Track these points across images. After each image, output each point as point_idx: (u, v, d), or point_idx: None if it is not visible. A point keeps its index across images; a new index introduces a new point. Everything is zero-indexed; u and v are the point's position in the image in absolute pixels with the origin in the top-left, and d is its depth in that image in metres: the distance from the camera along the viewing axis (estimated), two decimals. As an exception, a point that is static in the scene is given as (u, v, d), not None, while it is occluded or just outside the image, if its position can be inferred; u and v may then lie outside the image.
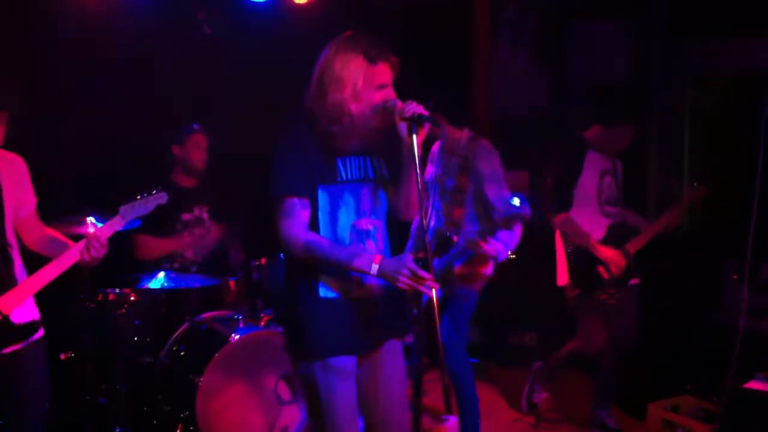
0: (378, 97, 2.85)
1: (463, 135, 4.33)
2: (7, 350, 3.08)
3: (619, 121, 4.74)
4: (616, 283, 4.62)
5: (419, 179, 2.79)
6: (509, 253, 4.22)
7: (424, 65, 5.83)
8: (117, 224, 3.24)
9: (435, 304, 2.74)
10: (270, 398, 4.29)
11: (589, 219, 4.69)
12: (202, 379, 4.06)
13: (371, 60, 2.83)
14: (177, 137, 4.89)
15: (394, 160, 3.05)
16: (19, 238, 3.26)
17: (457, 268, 4.23)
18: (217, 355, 4.11)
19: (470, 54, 6.99)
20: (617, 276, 4.61)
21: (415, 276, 2.71)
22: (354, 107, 2.84)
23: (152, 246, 4.72)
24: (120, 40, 5.14)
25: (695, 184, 4.82)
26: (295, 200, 2.85)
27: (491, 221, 4.10)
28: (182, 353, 4.40)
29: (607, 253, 4.58)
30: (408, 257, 2.76)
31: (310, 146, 2.87)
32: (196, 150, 4.89)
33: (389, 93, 2.89)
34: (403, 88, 2.94)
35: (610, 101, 6.41)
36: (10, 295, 3.06)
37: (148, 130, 5.08)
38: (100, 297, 4.45)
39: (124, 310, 4.45)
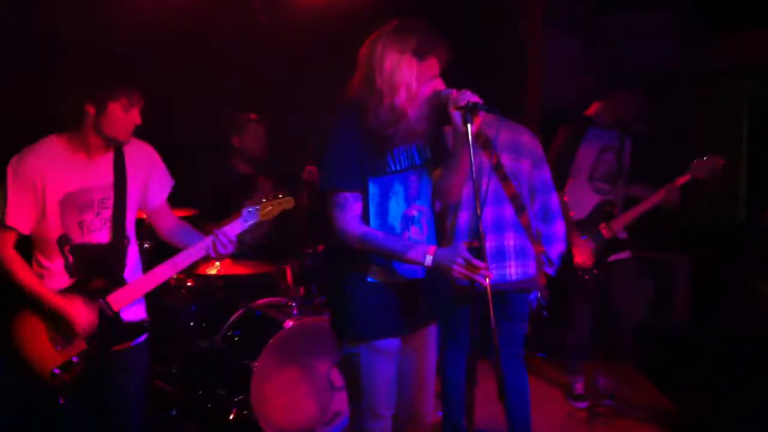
0: (428, 89, 2.85)
1: None
2: (116, 348, 3.09)
3: (616, 90, 4.77)
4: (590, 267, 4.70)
5: (473, 168, 2.79)
6: None
7: (476, 55, 5.81)
8: (239, 226, 3.20)
9: (489, 293, 2.75)
10: (323, 384, 4.35)
11: (580, 194, 4.77)
12: (256, 364, 4.12)
13: (421, 57, 2.81)
14: (235, 127, 4.95)
15: (439, 143, 3.09)
16: (144, 233, 3.27)
17: None
18: (271, 340, 4.17)
19: (523, 44, 6.94)
20: (583, 266, 4.68)
21: (469, 265, 2.72)
22: (410, 110, 2.83)
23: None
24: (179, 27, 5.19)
25: (705, 157, 4.65)
26: (348, 194, 2.86)
27: None
28: (237, 338, 4.47)
29: (576, 245, 4.65)
30: (462, 247, 2.76)
31: (360, 140, 2.87)
32: (254, 140, 4.96)
33: (438, 83, 2.88)
34: (455, 79, 2.93)
35: (658, 91, 6.31)
36: (122, 292, 3.06)
37: (206, 119, 5.14)
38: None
39: (181, 295, 4.54)
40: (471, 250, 2.78)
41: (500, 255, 3.91)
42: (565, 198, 4.68)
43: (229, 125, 4.98)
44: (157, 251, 3.72)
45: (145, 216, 3.36)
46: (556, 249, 4.05)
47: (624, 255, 4.84)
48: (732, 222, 6.50)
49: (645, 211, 4.73)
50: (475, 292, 2.85)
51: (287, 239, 4.96)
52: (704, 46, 6.51)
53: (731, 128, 6.56)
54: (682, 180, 4.67)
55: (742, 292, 5.63)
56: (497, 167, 4.04)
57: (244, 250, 4.78)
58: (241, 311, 4.56)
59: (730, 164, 4.85)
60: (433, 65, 2.86)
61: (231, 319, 4.55)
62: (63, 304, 2.96)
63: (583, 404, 5.03)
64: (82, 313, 2.98)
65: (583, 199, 4.80)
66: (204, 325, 4.64)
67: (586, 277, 4.69)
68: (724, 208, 6.54)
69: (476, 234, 2.81)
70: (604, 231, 4.74)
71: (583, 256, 4.67)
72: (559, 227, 4.08)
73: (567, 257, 4.50)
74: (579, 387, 5.10)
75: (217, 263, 4.55)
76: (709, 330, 5.64)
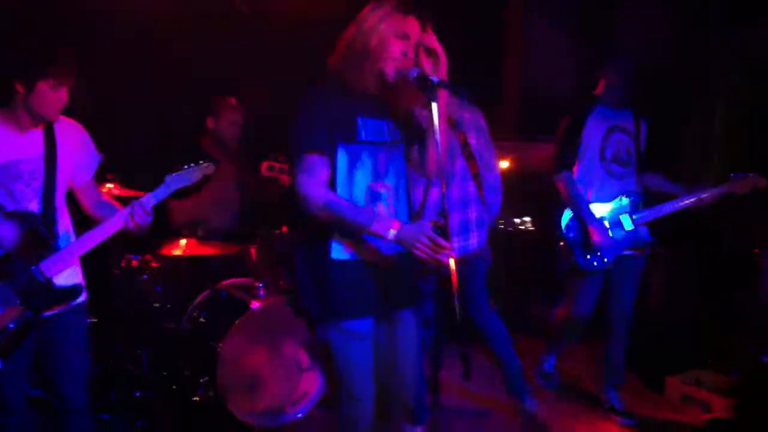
0: (397, 46, 2.85)
1: None
2: (49, 313, 3.15)
3: (614, 69, 4.53)
4: (608, 252, 4.44)
5: (438, 147, 2.79)
6: None
7: (458, 41, 5.78)
8: (162, 193, 3.29)
9: (453, 273, 2.75)
10: (290, 365, 4.33)
11: (593, 176, 4.51)
12: (222, 345, 4.10)
13: (400, 9, 2.85)
14: (212, 109, 4.91)
15: (410, 124, 3.08)
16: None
17: None
18: (237, 321, 4.15)
19: (504, 30, 6.94)
20: (599, 245, 4.40)
21: (433, 244, 2.71)
22: (370, 44, 2.84)
23: (185, 209, 4.73)
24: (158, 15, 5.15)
25: (748, 175, 4.44)
26: (315, 157, 2.83)
27: None
28: (203, 319, 4.44)
29: (594, 225, 4.39)
30: (427, 225, 2.75)
31: (331, 103, 2.86)
32: (230, 126, 4.92)
33: (409, 47, 2.87)
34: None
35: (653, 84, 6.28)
36: (53, 259, 3.12)
37: (181, 99, 5.10)
38: (123, 263, 4.50)
39: (146, 276, 4.50)
40: (436, 228, 2.77)
41: (465, 228, 4.10)
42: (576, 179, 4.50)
43: (206, 105, 4.93)
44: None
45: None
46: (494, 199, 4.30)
47: (639, 251, 4.57)
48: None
49: (672, 213, 4.48)
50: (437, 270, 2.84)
51: (255, 221, 4.93)
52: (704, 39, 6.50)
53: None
54: (718, 193, 4.43)
55: (716, 280, 5.65)
56: (464, 146, 4.10)
57: (210, 231, 4.75)
58: (207, 292, 4.53)
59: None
60: (410, 24, 2.87)
61: (197, 301, 4.51)
62: None
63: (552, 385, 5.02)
64: (14, 280, 3.06)
65: (598, 182, 4.53)
66: (170, 306, 4.61)
67: (595, 263, 4.45)
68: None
69: (442, 212, 2.80)
70: (625, 221, 4.48)
71: (598, 236, 4.38)
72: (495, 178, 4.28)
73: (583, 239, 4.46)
74: (548, 366, 5.02)
75: (182, 242, 4.51)
76: (680, 311, 5.67)
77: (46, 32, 4.27)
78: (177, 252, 4.51)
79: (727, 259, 5.73)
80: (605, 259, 4.44)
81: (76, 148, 3.30)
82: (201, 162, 3.40)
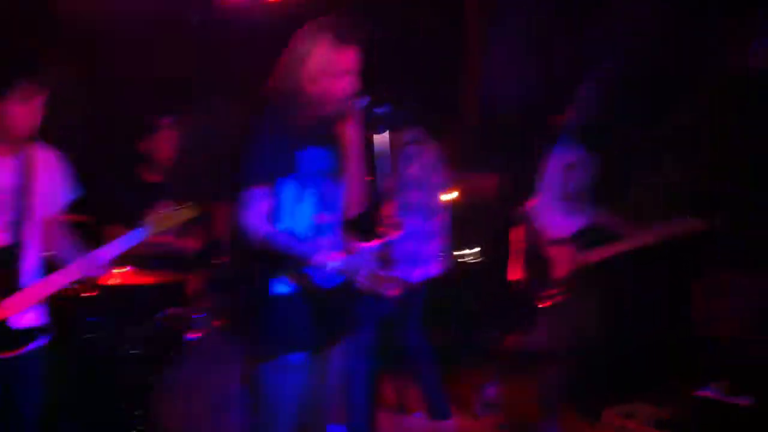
0: (340, 84, 2.83)
1: None
2: (3, 356, 2.96)
3: (581, 103, 4.58)
4: (559, 284, 4.51)
5: (363, 176, 2.84)
6: None
7: (412, 58, 5.82)
8: (121, 244, 3.14)
9: (396, 302, 2.75)
10: (229, 395, 4.25)
11: (555, 212, 4.58)
12: (157, 377, 4.02)
13: (336, 43, 2.80)
14: (145, 131, 4.82)
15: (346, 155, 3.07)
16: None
17: None
18: (172, 353, 4.07)
19: (460, 46, 6.97)
20: (561, 278, 4.49)
21: (374, 277, 2.70)
22: (309, 89, 2.81)
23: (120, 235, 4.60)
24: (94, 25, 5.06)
25: (689, 217, 4.52)
26: (257, 190, 2.81)
27: None
28: (138, 351, 4.34)
29: (555, 252, 4.48)
30: (368, 257, 2.75)
31: (271, 136, 2.83)
32: (165, 145, 4.82)
33: (354, 81, 2.87)
34: (391, 80, 2.93)
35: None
36: (14, 298, 2.94)
37: (114, 121, 5.02)
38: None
39: (80, 306, 4.38)
40: (379, 258, 2.77)
41: (416, 259, 4.30)
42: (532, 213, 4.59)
43: (139, 128, 4.84)
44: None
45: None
46: None
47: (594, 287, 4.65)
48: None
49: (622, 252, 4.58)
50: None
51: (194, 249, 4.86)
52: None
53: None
54: (660, 234, 4.53)
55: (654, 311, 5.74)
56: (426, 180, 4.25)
57: (146, 259, 4.67)
58: (143, 323, 4.43)
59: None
60: (348, 57, 2.83)
61: (133, 332, 4.40)
62: None
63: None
64: None
65: (557, 217, 4.61)
66: (104, 337, 4.49)
67: (556, 296, 4.53)
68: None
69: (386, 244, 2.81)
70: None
71: (564, 256, 4.49)
72: None
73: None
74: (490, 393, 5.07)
75: (118, 272, 4.41)
76: (615, 343, 5.73)
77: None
78: (112, 281, 4.41)
79: (664, 289, 5.83)
80: (563, 291, 4.50)
81: (52, 178, 3.11)
82: (184, 204, 3.29)
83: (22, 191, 2.98)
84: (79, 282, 4.34)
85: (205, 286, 4.63)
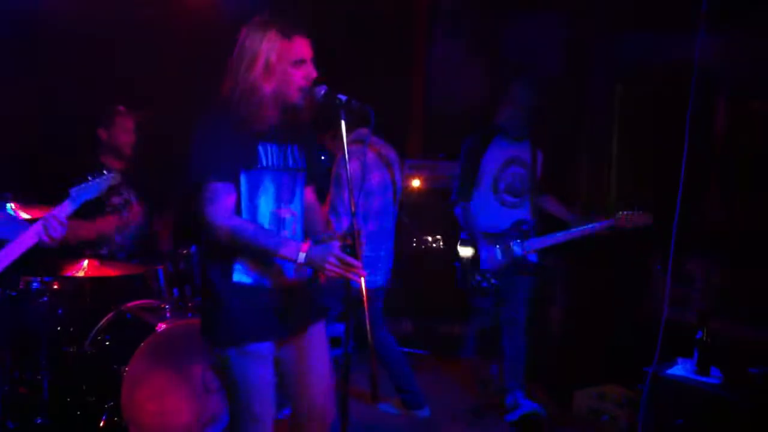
0: (297, 74, 2.82)
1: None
2: None
3: (511, 85, 4.70)
4: (495, 274, 4.70)
5: (347, 166, 2.81)
6: None
7: (362, 59, 5.83)
8: (68, 207, 3.21)
9: (363, 291, 2.75)
10: (197, 387, 4.24)
11: (486, 205, 4.78)
12: (127, 369, 3.99)
13: (285, 34, 2.79)
14: (103, 120, 4.79)
15: (312, 149, 3.09)
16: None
17: None
18: (143, 344, 4.04)
19: (408, 46, 7.00)
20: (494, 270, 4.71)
21: (343, 263, 2.71)
22: (266, 85, 2.79)
23: (81, 228, 4.57)
24: (50, 16, 5.00)
25: (637, 209, 4.59)
26: (219, 185, 2.80)
27: None
28: (107, 342, 4.32)
29: (484, 251, 4.69)
30: (335, 245, 2.75)
31: (230, 131, 2.82)
32: (122, 133, 4.79)
33: (310, 70, 2.86)
34: (341, 79, 2.92)
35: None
36: None
37: (75, 112, 4.97)
38: (22, 284, 4.33)
39: (46, 299, 4.34)
40: (344, 248, 2.77)
41: (373, 264, 4.46)
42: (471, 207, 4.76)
43: (97, 117, 4.81)
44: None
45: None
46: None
47: (528, 276, 4.83)
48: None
49: (561, 243, 4.70)
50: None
51: (156, 240, 4.83)
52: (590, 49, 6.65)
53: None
54: (605, 226, 4.59)
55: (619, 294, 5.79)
56: (393, 183, 4.31)
57: (114, 250, 4.64)
58: (111, 314, 4.40)
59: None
60: (300, 46, 2.83)
61: (100, 323, 4.38)
62: None
63: None
64: None
65: (491, 211, 4.79)
66: (72, 329, 4.45)
67: (483, 285, 4.69)
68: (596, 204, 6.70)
69: (350, 231, 2.81)
70: (516, 247, 4.74)
71: (487, 262, 4.70)
72: None
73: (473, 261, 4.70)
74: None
75: (85, 264, 4.39)
76: (584, 325, 5.79)
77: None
78: (79, 273, 4.38)
79: (629, 271, 5.89)
80: (492, 281, 4.65)
81: None
82: (105, 173, 3.33)
83: None
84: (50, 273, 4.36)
85: (171, 277, 4.60)
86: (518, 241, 4.72)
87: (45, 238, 3.11)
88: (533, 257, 4.79)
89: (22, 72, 4.90)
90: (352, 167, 3.41)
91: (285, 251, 2.78)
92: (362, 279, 2.74)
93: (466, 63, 6.92)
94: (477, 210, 4.77)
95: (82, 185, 3.27)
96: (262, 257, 2.87)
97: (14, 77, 4.84)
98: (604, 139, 6.61)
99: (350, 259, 2.71)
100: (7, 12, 4.76)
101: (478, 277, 4.68)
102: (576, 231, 4.65)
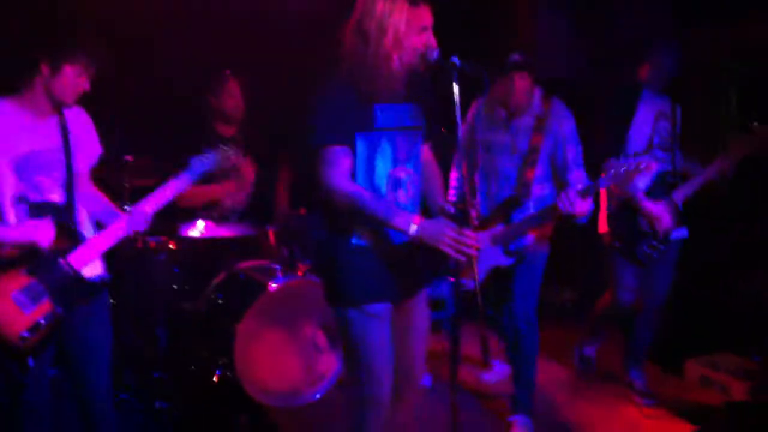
0: (419, 41, 2.80)
1: (535, 93, 4.15)
2: (79, 304, 3.09)
3: (661, 53, 4.45)
4: (662, 237, 4.42)
5: (460, 129, 2.78)
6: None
7: (466, 28, 5.74)
8: (185, 179, 3.28)
9: (474, 262, 2.73)
10: (307, 346, 4.34)
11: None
12: (239, 326, 4.10)
13: (413, 2, 2.77)
14: (211, 87, 4.87)
15: (429, 108, 3.05)
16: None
17: (531, 232, 4.05)
18: (255, 303, 4.15)
19: (510, 20, 6.88)
20: (662, 231, 4.41)
21: (456, 239, 2.70)
22: (396, 54, 2.78)
23: (193, 193, 4.69)
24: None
25: (756, 124, 4.46)
26: (337, 148, 2.81)
27: (565, 182, 3.96)
28: (220, 301, 4.44)
29: (651, 207, 4.36)
30: (447, 222, 2.74)
31: (347, 93, 2.82)
32: (229, 98, 4.85)
33: (430, 37, 2.83)
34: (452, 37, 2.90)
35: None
36: (80, 251, 3.07)
37: (189, 82, 5.07)
38: (140, 244, 4.49)
39: (163, 258, 4.50)
40: (456, 213, 2.76)
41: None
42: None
43: (206, 85, 4.90)
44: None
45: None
46: None
47: (682, 232, 4.54)
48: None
49: (705, 183, 4.46)
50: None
51: (269, 202, 4.91)
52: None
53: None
54: (739, 150, 4.42)
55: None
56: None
57: (225, 212, 4.74)
58: (224, 274, 4.53)
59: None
60: (424, 14, 2.80)
61: (214, 282, 4.51)
62: (26, 228, 2.98)
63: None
64: (45, 233, 3.00)
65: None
66: (187, 287, 4.61)
67: (655, 255, 4.43)
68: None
69: (463, 196, 2.79)
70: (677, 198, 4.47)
71: (660, 211, 4.38)
72: None
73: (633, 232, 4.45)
74: (640, 384, 4.81)
75: (200, 224, 4.52)
76: (695, 294, 5.63)
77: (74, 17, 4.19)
78: (194, 233, 4.51)
79: (748, 242, 5.67)
80: (661, 247, 4.42)
81: (85, 137, 3.23)
82: (221, 147, 3.38)
83: (67, 149, 3.10)
84: (146, 235, 4.49)
85: (282, 238, 4.68)
86: (670, 195, 4.45)
87: (129, 233, 3.17)
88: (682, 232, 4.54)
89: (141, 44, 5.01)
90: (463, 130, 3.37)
91: (398, 222, 2.78)
92: (475, 251, 2.71)
93: (572, 37, 6.77)
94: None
95: (199, 158, 3.32)
96: (380, 226, 2.89)
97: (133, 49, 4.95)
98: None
99: (463, 238, 2.69)
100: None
101: (645, 248, 4.43)
102: (714, 166, 4.39)
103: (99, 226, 3.24)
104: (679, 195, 4.46)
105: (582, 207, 3.64)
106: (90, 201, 3.29)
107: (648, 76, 4.50)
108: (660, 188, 4.46)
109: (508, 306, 4.11)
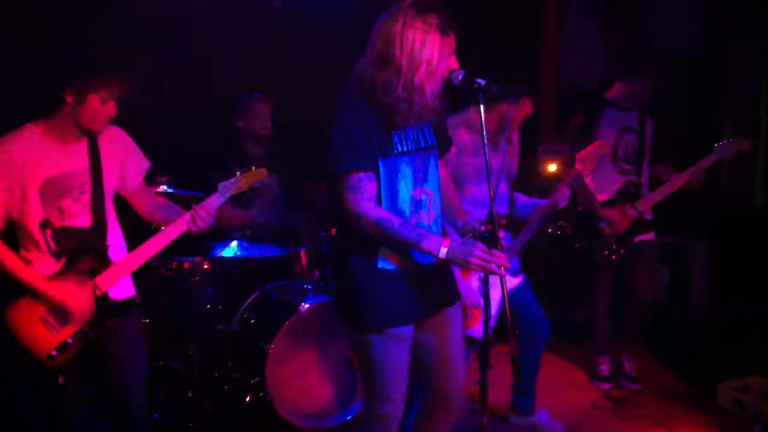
0: (444, 65, 2.82)
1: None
2: (108, 324, 3.18)
3: (637, 74, 4.80)
4: (619, 240, 4.76)
5: (486, 150, 2.80)
6: None
7: (492, 37, 5.78)
8: (216, 200, 3.32)
9: (503, 281, 2.75)
10: (339, 367, 4.36)
11: (604, 175, 4.84)
12: (272, 347, 4.14)
13: (444, 32, 2.78)
14: (238, 108, 4.96)
15: (442, 128, 3.11)
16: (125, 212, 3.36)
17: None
18: (286, 323, 4.19)
19: (539, 25, 6.90)
20: (618, 233, 4.75)
21: (485, 259, 2.72)
22: (428, 86, 2.80)
23: (226, 214, 4.76)
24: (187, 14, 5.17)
25: (731, 139, 4.71)
26: (362, 175, 2.83)
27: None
28: (252, 321, 4.49)
29: (606, 213, 4.74)
30: (475, 242, 2.76)
31: (368, 119, 2.83)
32: (257, 118, 4.94)
33: (453, 62, 2.85)
34: (471, 61, 2.91)
35: (683, 70, 6.26)
36: (108, 273, 3.15)
37: (216, 103, 5.15)
38: (174, 265, 4.56)
39: (197, 278, 4.56)
40: (485, 233, 2.78)
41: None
42: (587, 180, 4.78)
43: (233, 106, 4.99)
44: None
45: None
46: None
47: (649, 236, 4.91)
48: (749, 206, 6.43)
49: (670, 193, 4.78)
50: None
51: (301, 222, 4.96)
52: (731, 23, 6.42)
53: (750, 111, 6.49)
54: (707, 162, 4.69)
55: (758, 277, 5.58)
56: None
57: (258, 233, 4.80)
58: (256, 294, 4.57)
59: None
60: (452, 42, 2.83)
61: (247, 302, 4.56)
62: (53, 290, 3.06)
63: (607, 385, 5.08)
64: (73, 297, 3.08)
65: (607, 181, 4.87)
66: (220, 307, 4.67)
67: (613, 257, 4.77)
68: (742, 191, 6.47)
69: (491, 217, 2.81)
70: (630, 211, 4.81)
71: (615, 215, 4.76)
72: None
73: (593, 236, 4.76)
74: (604, 369, 5.16)
75: (233, 245, 4.58)
76: (727, 315, 5.60)
77: (99, 43, 4.27)
78: (228, 254, 4.57)
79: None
80: (621, 251, 4.77)
81: (122, 156, 3.30)
82: (252, 168, 3.43)
83: (96, 172, 3.18)
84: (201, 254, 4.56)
85: (313, 259, 4.73)
86: (630, 204, 4.80)
87: (193, 228, 3.25)
88: (649, 217, 4.90)
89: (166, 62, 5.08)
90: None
91: (427, 245, 2.79)
92: (503, 269, 2.74)
93: (600, 43, 6.81)
94: (596, 182, 4.85)
95: (231, 180, 3.37)
96: (406, 249, 2.91)
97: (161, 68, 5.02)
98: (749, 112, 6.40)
99: (493, 256, 2.71)
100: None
101: (604, 252, 4.77)
102: (681, 177, 4.73)
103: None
104: (646, 203, 4.83)
105: None
106: (153, 211, 3.43)
107: (617, 96, 4.87)
108: (622, 198, 4.83)
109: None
